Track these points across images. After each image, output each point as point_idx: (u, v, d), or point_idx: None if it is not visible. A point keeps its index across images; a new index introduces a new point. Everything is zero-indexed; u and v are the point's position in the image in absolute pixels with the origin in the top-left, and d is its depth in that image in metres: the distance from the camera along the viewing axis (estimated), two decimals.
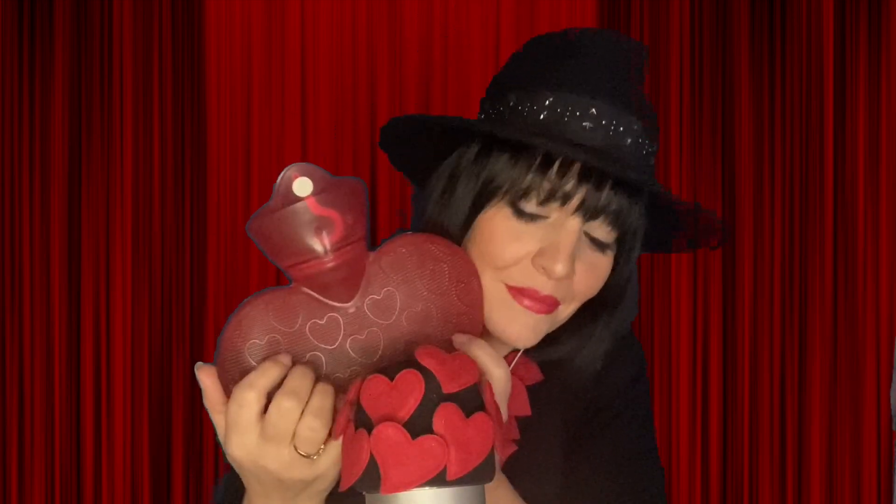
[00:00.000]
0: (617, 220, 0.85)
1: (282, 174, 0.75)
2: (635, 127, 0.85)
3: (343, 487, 0.73)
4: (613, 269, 0.89)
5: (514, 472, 0.88)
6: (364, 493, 0.72)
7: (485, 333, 0.86)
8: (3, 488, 2.46)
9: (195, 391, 2.46)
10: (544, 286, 0.84)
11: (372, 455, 0.70)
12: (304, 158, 2.49)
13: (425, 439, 0.69)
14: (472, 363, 0.75)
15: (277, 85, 2.49)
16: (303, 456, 0.75)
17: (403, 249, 0.80)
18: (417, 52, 2.49)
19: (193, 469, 2.49)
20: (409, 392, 0.71)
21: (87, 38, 2.48)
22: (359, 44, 2.49)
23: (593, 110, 0.83)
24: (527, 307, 0.85)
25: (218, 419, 0.76)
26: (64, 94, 2.47)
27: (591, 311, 0.91)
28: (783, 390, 2.50)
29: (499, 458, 0.85)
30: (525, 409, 0.91)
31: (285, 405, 0.73)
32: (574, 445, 0.97)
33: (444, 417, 0.70)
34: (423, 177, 0.94)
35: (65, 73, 2.47)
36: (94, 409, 2.47)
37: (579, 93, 0.84)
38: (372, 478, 0.70)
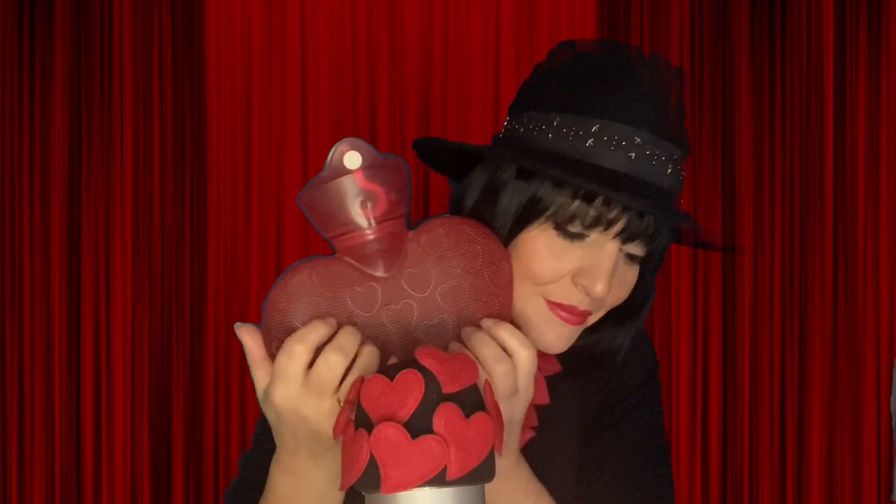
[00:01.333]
0: (652, 241, 0.89)
1: (334, 147, 0.80)
2: (675, 156, 0.89)
3: (343, 487, 0.73)
4: (640, 280, 0.93)
5: (531, 457, 0.92)
6: (364, 493, 0.72)
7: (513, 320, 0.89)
8: (3, 488, 2.46)
9: (195, 391, 2.48)
10: (581, 302, 0.89)
11: (372, 455, 0.70)
12: (303, 158, 2.49)
13: (425, 439, 0.70)
14: (473, 363, 0.75)
15: (277, 85, 2.49)
16: None
17: (441, 229, 0.85)
18: (417, 52, 2.49)
19: (193, 469, 2.49)
20: (409, 392, 0.71)
21: (87, 38, 2.48)
22: (359, 44, 2.49)
23: (638, 140, 0.86)
24: (563, 319, 0.89)
25: (258, 374, 0.81)
26: (64, 94, 2.47)
27: (615, 314, 0.95)
28: (783, 390, 2.50)
29: (519, 440, 0.88)
30: (543, 398, 0.94)
31: (333, 358, 0.77)
32: (588, 437, 1.00)
33: (444, 417, 0.70)
34: (455, 173, 0.97)
35: (65, 73, 2.47)
36: (94, 409, 2.47)
37: (626, 122, 0.87)
38: (372, 478, 0.70)
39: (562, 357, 0.96)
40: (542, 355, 0.96)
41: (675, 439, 2.49)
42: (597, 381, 1.01)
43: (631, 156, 0.86)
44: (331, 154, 0.80)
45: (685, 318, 2.51)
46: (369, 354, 0.78)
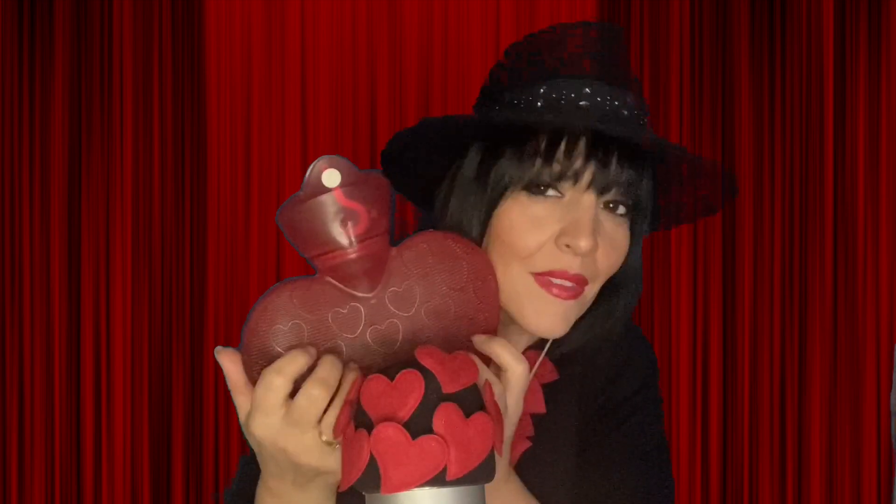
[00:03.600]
0: (629, 192, 0.87)
1: (312, 165, 0.78)
2: (629, 100, 0.87)
3: (343, 487, 0.73)
4: (632, 248, 0.91)
5: (528, 468, 0.91)
6: (364, 493, 0.72)
7: (499, 332, 0.88)
8: (3, 488, 2.46)
9: (195, 391, 2.48)
10: (571, 265, 0.86)
11: (372, 455, 0.70)
12: (303, 159, 2.49)
13: (425, 439, 0.69)
14: (473, 363, 0.75)
15: (277, 85, 2.49)
16: (326, 443, 0.76)
17: (424, 245, 0.83)
18: (417, 52, 2.49)
19: (193, 469, 2.49)
20: (409, 392, 0.71)
21: (87, 38, 2.48)
22: (359, 44, 2.49)
23: (587, 89, 0.86)
24: (556, 295, 0.86)
25: (240, 400, 0.78)
26: (64, 94, 2.47)
27: (608, 289, 0.93)
28: (783, 390, 2.50)
29: (511, 455, 0.86)
30: (540, 407, 0.93)
31: (314, 393, 0.74)
32: (586, 444, 0.98)
33: (444, 417, 0.70)
34: (424, 198, 0.96)
35: (65, 73, 2.47)
36: (94, 409, 2.47)
37: (571, 77, 0.86)
38: (372, 478, 0.70)
39: (558, 363, 0.95)
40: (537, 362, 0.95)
41: (675, 439, 2.49)
42: (595, 386, 0.99)
43: (583, 104, 0.85)
44: (308, 172, 0.77)
45: (685, 318, 2.51)
46: (350, 384, 0.76)
